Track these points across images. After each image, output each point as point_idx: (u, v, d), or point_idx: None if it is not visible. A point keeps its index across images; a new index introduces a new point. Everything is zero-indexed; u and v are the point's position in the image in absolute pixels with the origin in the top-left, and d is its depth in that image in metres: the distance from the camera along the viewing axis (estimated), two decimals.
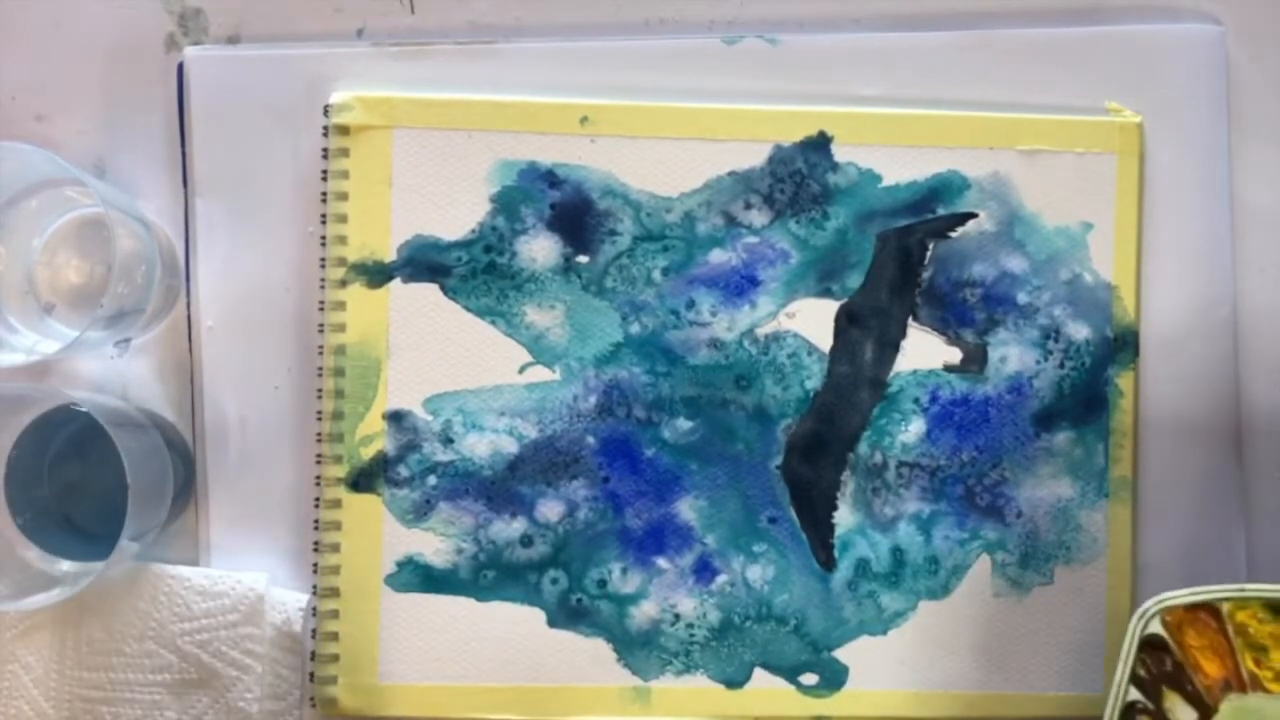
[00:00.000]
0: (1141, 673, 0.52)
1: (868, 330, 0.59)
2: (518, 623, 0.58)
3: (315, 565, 0.58)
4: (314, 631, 0.58)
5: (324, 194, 0.58)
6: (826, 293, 0.59)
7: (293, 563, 0.58)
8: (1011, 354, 0.59)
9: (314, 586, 0.58)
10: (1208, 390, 0.60)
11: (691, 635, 0.58)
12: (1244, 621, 0.52)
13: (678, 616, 0.58)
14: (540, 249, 0.58)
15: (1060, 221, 0.59)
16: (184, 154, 0.59)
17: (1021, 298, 0.59)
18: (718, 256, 0.59)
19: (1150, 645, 0.52)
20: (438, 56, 0.59)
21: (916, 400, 0.59)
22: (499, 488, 0.58)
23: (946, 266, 0.59)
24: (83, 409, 0.53)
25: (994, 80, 0.60)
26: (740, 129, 0.59)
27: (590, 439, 0.58)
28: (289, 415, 0.59)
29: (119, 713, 0.56)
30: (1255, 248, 0.60)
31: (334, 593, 0.58)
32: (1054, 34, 0.60)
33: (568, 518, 0.58)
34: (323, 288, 0.58)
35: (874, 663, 0.59)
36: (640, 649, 0.58)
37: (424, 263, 0.58)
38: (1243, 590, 0.51)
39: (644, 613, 0.58)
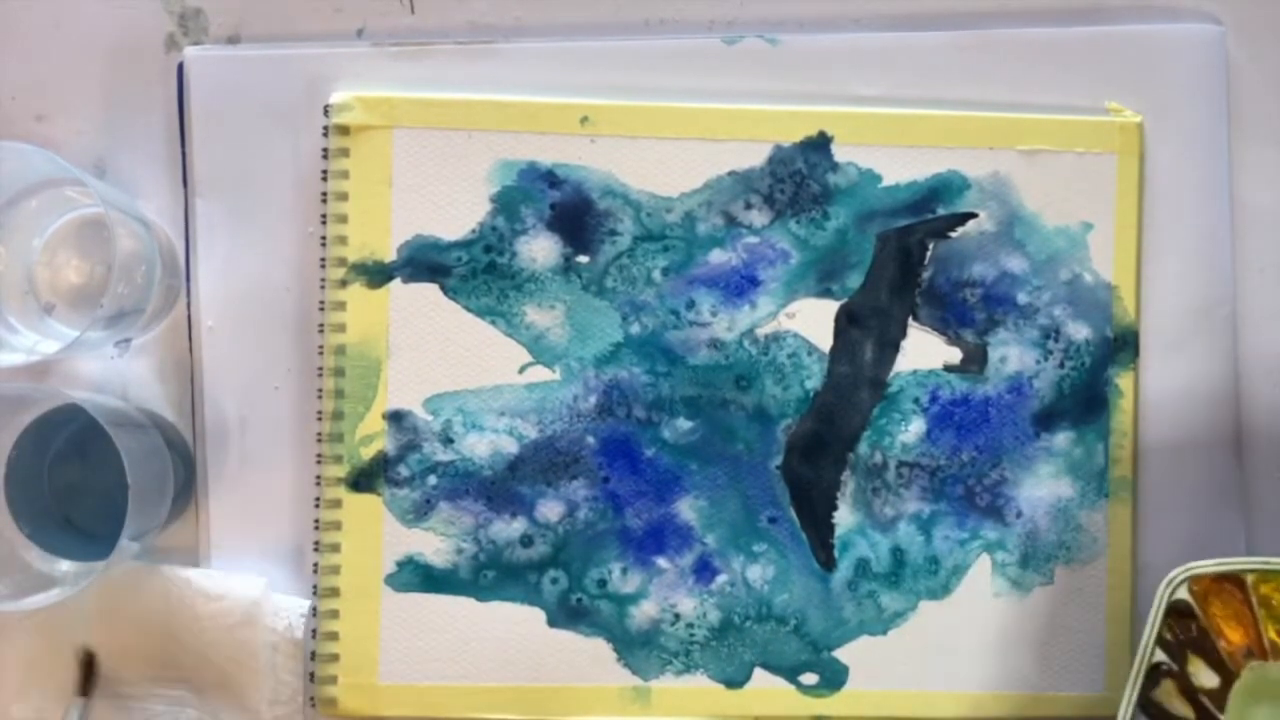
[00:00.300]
0: (1168, 636, 0.54)
1: (868, 330, 0.59)
2: (518, 623, 0.58)
3: (315, 565, 0.58)
4: (314, 631, 0.58)
5: (324, 194, 0.58)
6: (826, 293, 0.59)
7: (293, 563, 0.58)
8: (1011, 354, 0.59)
9: (314, 586, 0.58)
10: (1208, 390, 0.60)
11: (691, 635, 0.58)
12: (1267, 593, 0.53)
13: (678, 616, 0.58)
14: (540, 249, 0.58)
15: (1060, 221, 0.59)
16: (184, 154, 0.59)
17: (1021, 298, 0.59)
18: (718, 256, 0.59)
19: (1177, 611, 0.54)
20: (438, 56, 0.59)
21: (916, 400, 0.59)
22: (499, 488, 0.58)
23: (946, 266, 0.59)
24: (83, 409, 0.53)
25: (994, 80, 0.60)
26: (740, 129, 0.59)
27: (590, 439, 0.58)
28: (289, 415, 0.59)
29: (147, 708, 0.57)
30: (1255, 248, 0.60)
31: (334, 593, 0.58)
32: (1054, 34, 0.60)
33: (568, 518, 0.58)
34: (323, 288, 0.58)
35: (874, 663, 0.59)
36: (640, 649, 0.58)
37: (424, 263, 0.58)
38: (1267, 563, 0.53)
39: (644, 613, 0.58)
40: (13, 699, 0.57)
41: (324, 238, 0.58)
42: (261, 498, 0.58)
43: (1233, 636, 0.54)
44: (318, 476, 0.58)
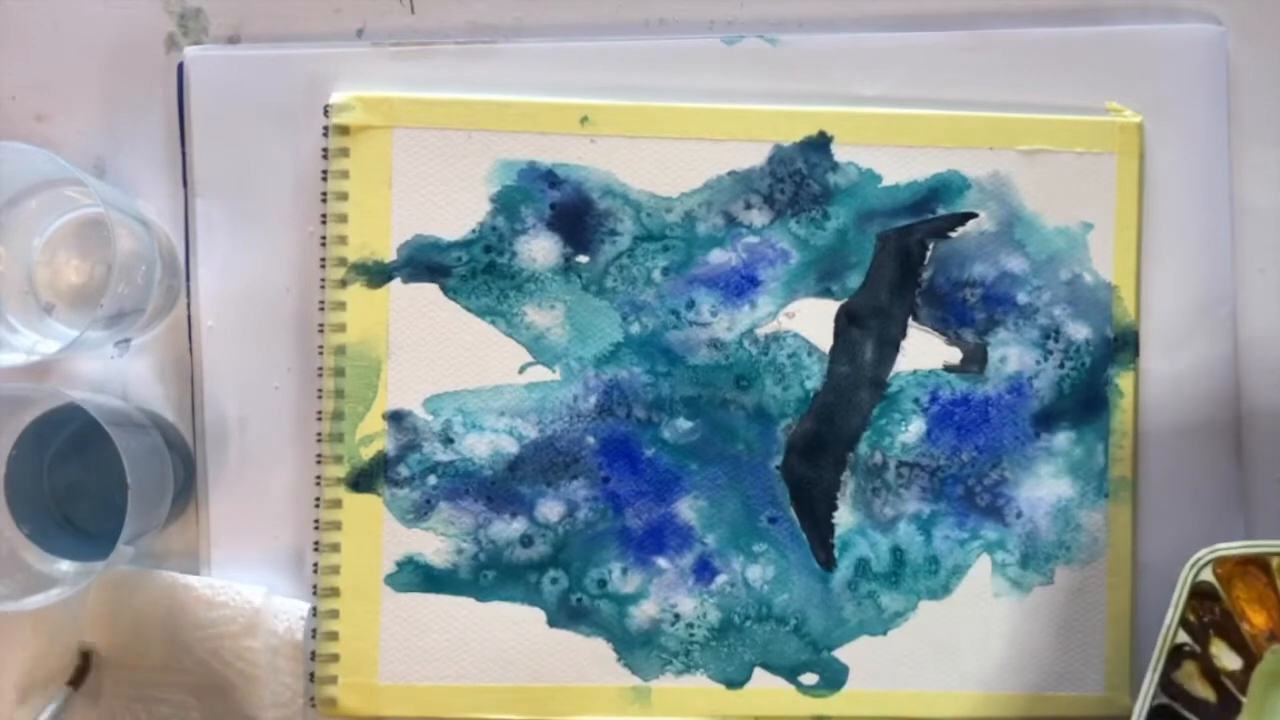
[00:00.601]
0: (1191, 618, 0.53)
1: (868, 330, 0.59)
2: (518, 622, 0.58)
3: (315, 565, 0.58)
4: (314, 631, 0.58)
5: (324, 194, 0.58)
6: (826, 293, 0.59)
7: (293, 563, 0.58)
8: (1011, 354, 0.59)
9: (314, 586, 0.58)
10: (1208, 390, 0.60)
11: (691, 635, 0.58)
12: None
13: (678, 616, 0.58)
14: (540, 249, 0.58)
15: (1060, 221, 0.59)
16: (184, 154, 0.59)
17: (1021, 298, 0.59)
18: (718, 256, 0.59)
19: (1200, 593, 0.53)
20: (438, 56, 0.59)
21: (916, 400, 0.59)
22: (499, 488, 0.58)
23: (946, 266, 0.59)
24: (83, 409, 0.53)
25: (994, 80, 0.60)
26: (740, 129, 0.59)
27: (590, 439, 0.58)
28: (289, 415, 0.59)
29: (152, 710, 0.57)
30: (1255, 248, 0.60)
31: (334, 593, 0.58)
32: (1054, 34, 0.60)
33: (568, 518, 0.58)
34: (323, 288, 0.58)
35: (874, 663, 0.59)
36: (640, 649, 0.58)
37: (424, 263, 0.58)
38: None
39: (644, 613, 0.58)
40: (13, 699, 0.57)
41: (324, 238, 0.58)
42: (261, 498, 0.58)
43: (1256, 619, 0.53)
44: (318, 476, 0.58)
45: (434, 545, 0.58)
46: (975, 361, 0.59)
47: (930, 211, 0.59)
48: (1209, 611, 0.53)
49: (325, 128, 0.58)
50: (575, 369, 0.58)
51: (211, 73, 0.58)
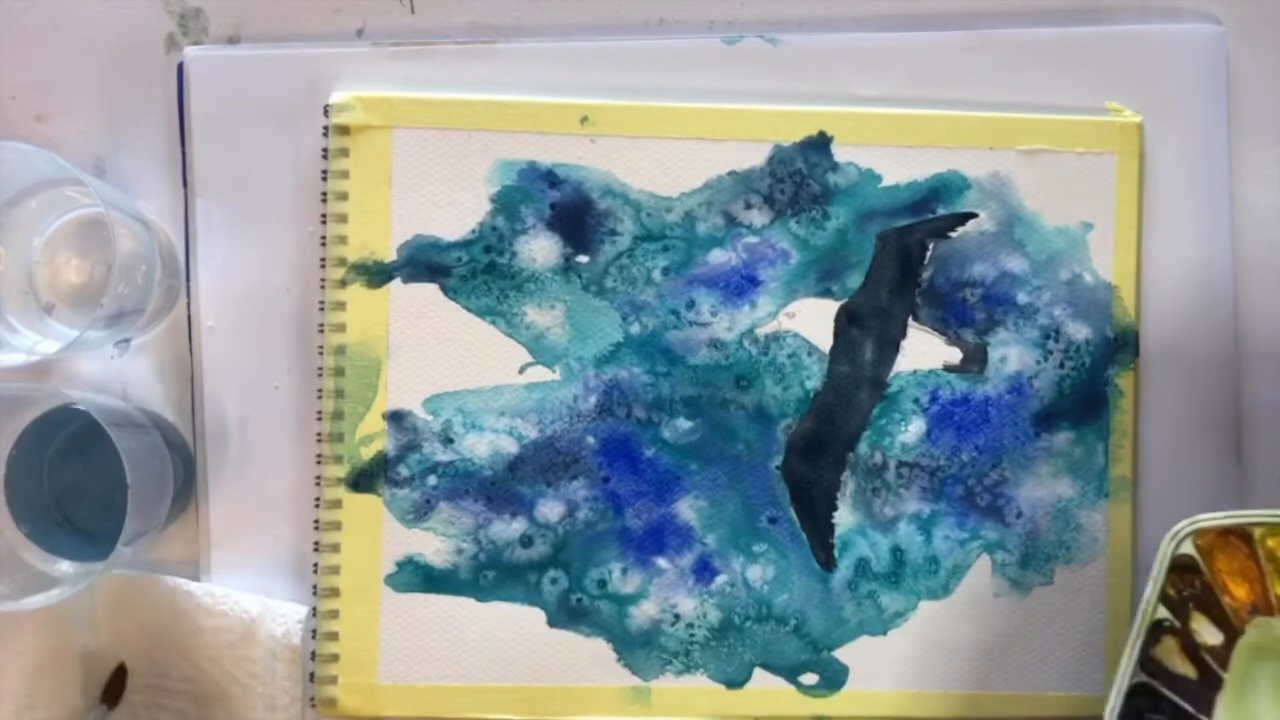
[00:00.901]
0: (1171, 592, 0.52)
1: (868, 330, 0.59)
2: (518, 623, 0.58)
3: (315, 565, 0.58)
4: (314, 632, 0.58)
5: (324, 194, 0.58)
6: (826, 293, 0.59)
7: (293, 563, 0.58)
8: (1011, 354, 0.59)
9: (314, 586, 0.58)
10: (1208, 390, 0.60)
11: (691, 635, 0.58)
12: (1274, 548, 0.52)
13: (678, 616, 0.58)
14: (540, 249, 0.58)
15: (1060, 221, 0.59)
16: (184, 154, 0.59)
17: (1021, 298, 0.59)
18: (718, 256, 0.59)
19: (1181, 567, 0.52)
20: (438, 56, 0.59)
21: (916, 400, 0.59)
22: (499, 488, 0.58)
23: (946, 266, 0.59)
24: (83, 409, 0.53)
25: (994, 80, 0.60)
26: (740, 129, 0.59)
27: (590, 439, 0.58)
28: (289, 415, 0.59)
29: (155, 716, 0.57)
30: (1255, 248, 0.60)
31: (334, 593, 0.58)
32: (1054, 34, 0.60)
33: (568, 518, 0.58)
34: (323, 288, 0.58)
35: (874, 663, 0.59)
36: (640, 649, 0.58)
37: (424, 263, 0.58)
38: (1276, 516, 0.52)
39: (644, 613, 0.58)
40: (13, 700, 0.57)
41: (324, 238, 0.58)
42: (261, 498, 0.58)
43: (1238, 592, 0.52)
44: (318, 476, 0.58)
45: (434, 545, 0.58)
46: (975, 361, 0.59)
47: (930, 211, 0.59)
48: (1189, 585, 0.52)
49: (325, 128, 0.58)
50: (575, 369, 0.58)
51: (211, 73, 0.58)
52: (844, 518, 0.59)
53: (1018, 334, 0.59)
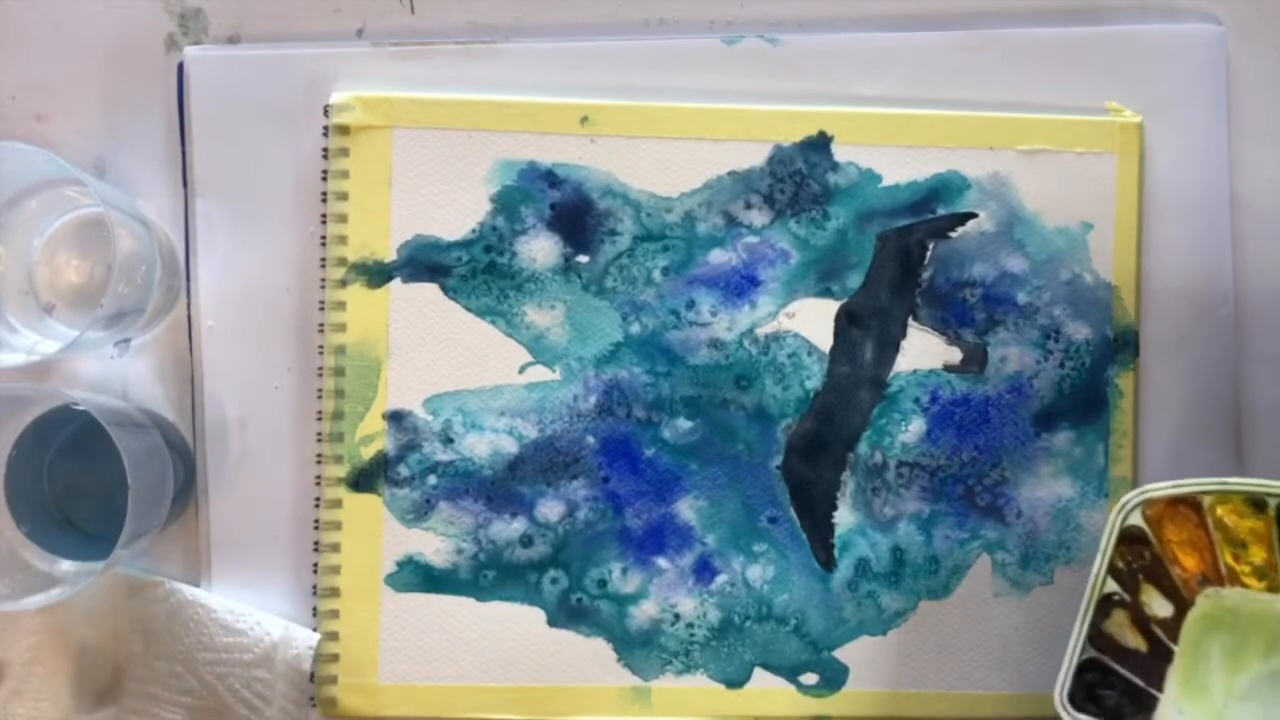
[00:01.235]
0: (1120, 565, 0.52)
1: (868, 330, 0.59)
2: (518, 623, 0.58)
3: (315, 565, 0.58)
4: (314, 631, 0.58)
5: (324, 194, 0.58)
6: (826, 293, 0.59)
7: (293, 562, 0.58)
8: (1011, 354, 0.59)
9: (314, 586, 0.58)
10: (1208, 390, 0.60)
11: (691, 635, 0.58)
12: (1224, 516, 0.52)
13: (678, 616, 0.58)
14: (540, 249, 0.58)
15: (1060, 221, 0.59)
16: (184, 154, 0.59)
17: (1021, 298, 0.59)
18: (718, 256, 0.59)
19: (1129, 538, 0.52)
20: (438, 56, 0.59)
21: (916, 400, 0.59)
22: (499, 488, 0.58)
23: (946, 266, 0.59)
24: (83, 409, 0.53)
25: (994, 80, 0.60)
26: (740, 129, 0.59)
27: (590, 439, 0.58)
28: (289, 415, 0.59)
29: None
30: (1255, 248, 0.60)
31: (334, 593, 0.58)
32: (1054, 34, 0.60)
33: (568, 518, 0.58)
34: (323, 288, 0.58)
35: (874, 663, 0.59)
36: (640, 649, 0.58)
37: (424, 263, 0.58)
38: (1225, 484, 0.51)
39: (644, 612, 0.58)
40: (13, 700, 0.57)
41: (324, 238, 0.58)
42: (261, 498, 0.58)
43: (1187, 562, 0.52)
44: (318, 476, 0.58)
45: (434, 545, 0.58)
46: (975, 361, 0.59)
47: (930, 211, 0.59)
48: (1138, 557, 0.52)
49: (325, 128, 0.58)
50: (575, 369, 0.58)
51: (211, 73, 0.58)
52: (844, 518, 0.59)
53: (1018, 334, 0.59)
